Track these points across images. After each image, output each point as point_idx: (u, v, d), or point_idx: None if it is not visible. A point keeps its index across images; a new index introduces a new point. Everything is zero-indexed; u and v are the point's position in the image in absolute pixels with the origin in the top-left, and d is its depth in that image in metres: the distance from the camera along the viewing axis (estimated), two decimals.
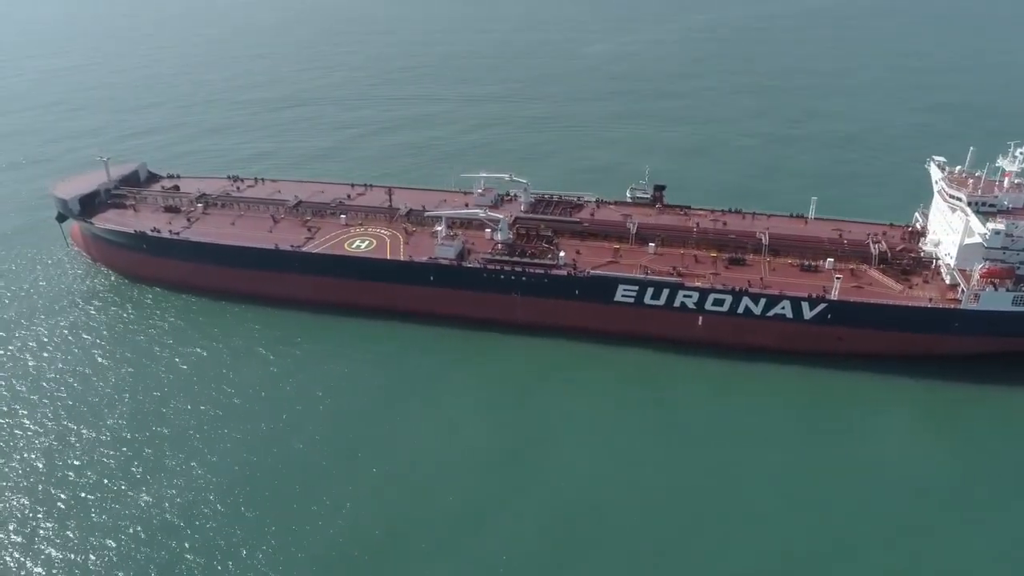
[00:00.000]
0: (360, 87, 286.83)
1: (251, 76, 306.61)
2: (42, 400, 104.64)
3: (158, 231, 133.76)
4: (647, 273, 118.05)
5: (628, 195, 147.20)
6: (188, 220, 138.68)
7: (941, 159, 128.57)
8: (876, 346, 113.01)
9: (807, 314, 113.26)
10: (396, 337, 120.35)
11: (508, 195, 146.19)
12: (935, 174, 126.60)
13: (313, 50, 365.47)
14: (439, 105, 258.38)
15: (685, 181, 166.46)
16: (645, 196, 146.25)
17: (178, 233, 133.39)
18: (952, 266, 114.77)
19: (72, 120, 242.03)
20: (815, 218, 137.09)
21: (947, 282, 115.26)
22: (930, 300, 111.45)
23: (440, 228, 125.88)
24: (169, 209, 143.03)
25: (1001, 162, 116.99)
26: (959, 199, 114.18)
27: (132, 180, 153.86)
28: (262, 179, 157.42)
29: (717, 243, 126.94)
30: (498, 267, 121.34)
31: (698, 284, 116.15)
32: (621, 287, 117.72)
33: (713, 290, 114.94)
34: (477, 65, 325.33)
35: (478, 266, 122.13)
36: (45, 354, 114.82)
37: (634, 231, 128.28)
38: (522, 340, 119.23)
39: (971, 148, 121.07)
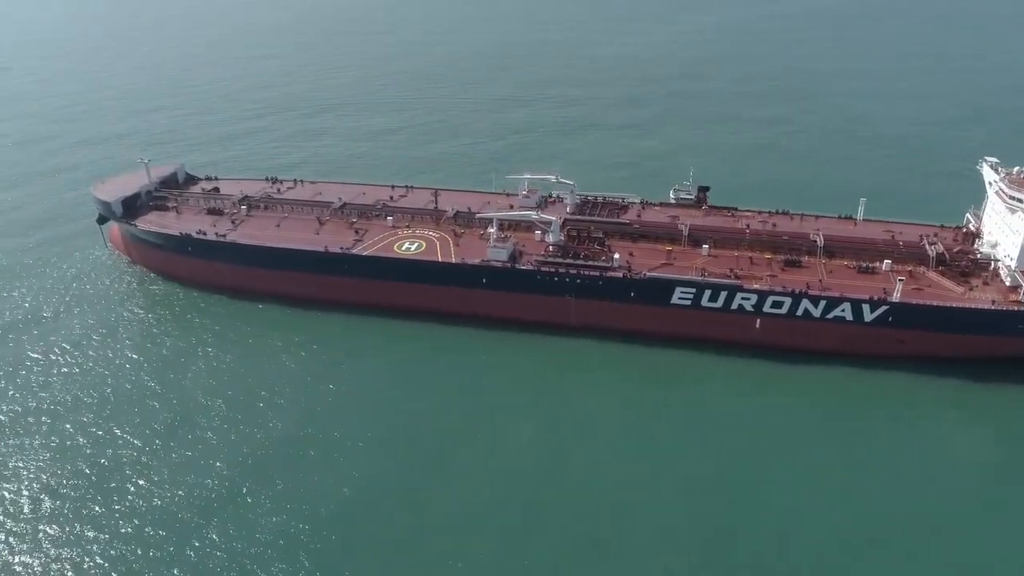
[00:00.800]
0: (375, 88, 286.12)
1: (264, 77, 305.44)
2: (90, 403, 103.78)
3: (203, 233, 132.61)
4: (704, 275, 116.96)
5: (672, 196, 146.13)
6: (232, 223, 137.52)
7: (994, 160, 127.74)
8: (938, 348, 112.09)
9: (867, 316, 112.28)
10: (446, 339, 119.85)
11: (551, 196, 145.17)
12: (989, 175, 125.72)
13: (324, 50, 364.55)
14: (462, 106, 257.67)
15: (724, 182, 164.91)
16: (689, 197, 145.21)
17: (224, 236, 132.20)
18: (1013, 268, 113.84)
19: (93, 122, 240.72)
20: (864, 219, 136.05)
21: (1007, 284, 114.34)
22: (993, 302, 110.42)
23: (492, 230, 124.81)
24: (212, 211, 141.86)
25: None
26: (1020, 200, 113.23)
27: (171, 182, 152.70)
28: (301, 180, 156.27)
29: (771, 245, 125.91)
30: (552, 269, 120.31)
31: (756, 286, 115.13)
32: (678, 289, 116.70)
33: (772, 292, 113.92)
34: (491, 66, 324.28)
35: (531, 268, 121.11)
36: (91, 358, 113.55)
37: (686, 233, 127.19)
38: (572, 341, 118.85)
39: None
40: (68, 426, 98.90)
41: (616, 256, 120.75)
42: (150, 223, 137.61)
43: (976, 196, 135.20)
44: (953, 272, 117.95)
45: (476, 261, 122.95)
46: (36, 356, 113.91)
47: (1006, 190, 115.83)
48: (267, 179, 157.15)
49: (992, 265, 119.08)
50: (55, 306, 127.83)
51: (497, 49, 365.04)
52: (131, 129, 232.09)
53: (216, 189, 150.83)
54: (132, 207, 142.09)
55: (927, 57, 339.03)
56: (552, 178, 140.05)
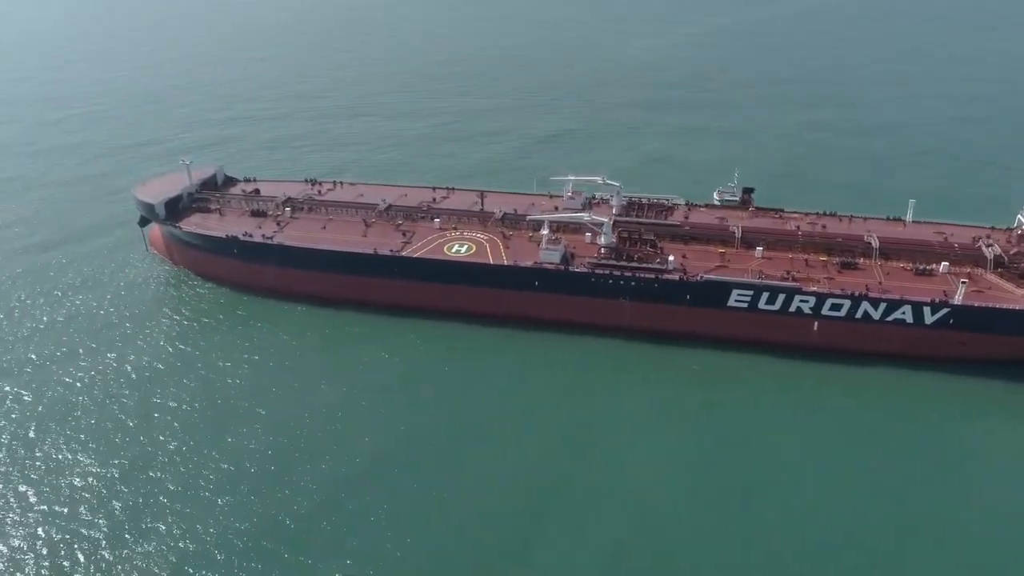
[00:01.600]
0: (401, 89, 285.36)
1: (286, 78, 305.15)
2: (139, 408, 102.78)
3: (249, 235, 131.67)
4: (761, 277, 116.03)
5: (716, 198, 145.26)
6: (277, 224, 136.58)
7: None
8: (999, 351, 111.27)
9: (928, 319, 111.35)
10: (500, 341, 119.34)
11: (595, 198, 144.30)
12: None
13: (342, 50, 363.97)
14: (492, 105, 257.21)
15: (765, 183, 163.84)
16: (734, 199, 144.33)
17: (270, 238, 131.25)
18: None
19: (119, 125, 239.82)
20: (913, 221, 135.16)
21: None
22: None
23: (545, 232, 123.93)
24: (255, 214, 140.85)
25: None
26: None
27: (210, 184, 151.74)
28: (340, 182, 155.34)
29: (825, 247, 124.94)
30: (606, 271, 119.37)
31: (815, 289, 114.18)
32: (735, 292, 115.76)
33: (831, 295, 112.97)
34: (513, 67, 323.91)
35: (585, 270, 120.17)
36: (140, 363, 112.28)
37: (739, 235, 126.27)
38: (625, 344, 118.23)
39: None
40: (144, 430, 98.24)
41: (671, 258, 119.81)
42: (194, 225, 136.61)
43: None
44: (1011, 274, 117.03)
45: (528, 263, 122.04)
46: (88, 360, 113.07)
47: None
48: (306, 180, 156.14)
49: None
50: (101, 310, 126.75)
51: (521, 50, 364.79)
52: (155, 133, 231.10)
53: (257, 191, 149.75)
54: (175, 209, 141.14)
55: (960, 61, 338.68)
56: (598, 179, 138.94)
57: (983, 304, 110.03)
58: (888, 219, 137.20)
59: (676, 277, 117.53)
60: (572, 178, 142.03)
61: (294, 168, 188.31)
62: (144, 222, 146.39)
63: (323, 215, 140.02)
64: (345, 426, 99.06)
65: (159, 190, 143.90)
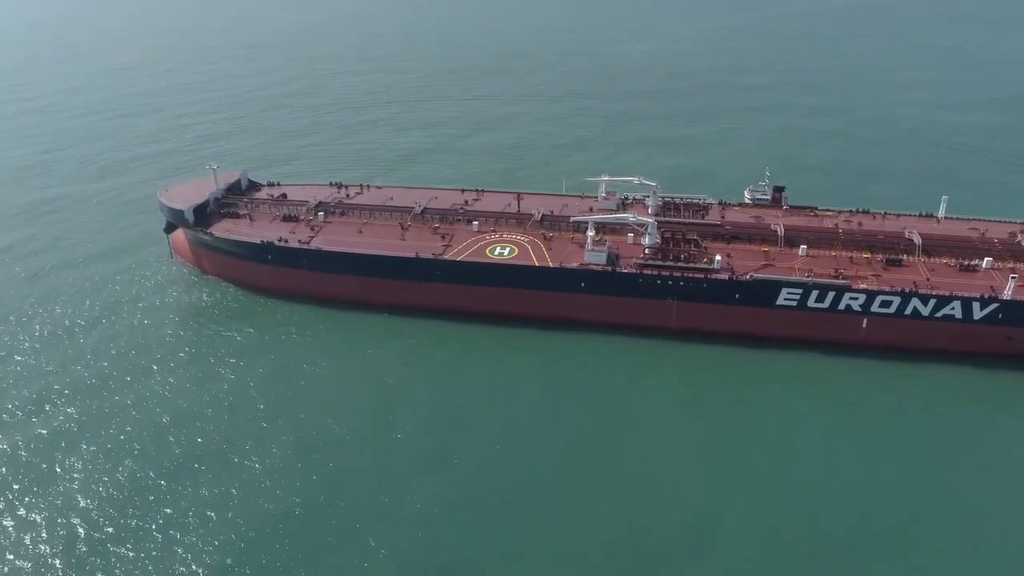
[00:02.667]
0: (413, 89, 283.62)
1: (297, 78, 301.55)
2: (191, 420, 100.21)
3: (285, 241, 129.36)
4: (810, 276, 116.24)
5: (747, 197, 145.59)
6: (311, 229, 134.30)
7: None
8: None
9: (976, 314, 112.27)
10: (543, 343, 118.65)
11: (628, 198, 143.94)
12: None
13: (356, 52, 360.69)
14: (511, 108, 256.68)
15: (791, 181, 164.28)
16: (765, 198, 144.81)
17: (307, 243, 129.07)
18: None
19: (127, 128, 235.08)
20: (946, 217, 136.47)
21: None
22: None
23: (591, 233, 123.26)
24: (287, 219, 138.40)
25: None
26: None
27: (235, 189, 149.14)
28: (367, 185, 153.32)
29: (867, 244, 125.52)
30: (654, 272, 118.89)
31: (864, 286, 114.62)
32: (784, 291, 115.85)
33: (881, 292, 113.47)
34: (523, 67, 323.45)
35: (633, 271, 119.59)
36: (185, 378, 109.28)
37: (782, 233, 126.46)
38: (672, 344, 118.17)
39: None
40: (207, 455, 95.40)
41: (718, 258, 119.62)
42: (225, 231, 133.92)
43: None
44: None
45: (574, 265, 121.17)
46: (130, 377, 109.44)
47: None
48: (332, 184, 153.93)
49: None
50: (135, 323, 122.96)
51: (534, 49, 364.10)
52: (173, 138, 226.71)
53: (284, 195, 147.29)
54: (203, 215, 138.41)
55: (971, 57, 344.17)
56: (635, 180, 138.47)
57: None
58: (921, 215, 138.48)
59: (725, 276, 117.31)
60: (607, 179, 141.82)
61: (310, 171, 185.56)
62: (171, 228, 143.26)
63: (357, 219, 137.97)
64: (444, 434, 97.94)
65: (185, 196, 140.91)
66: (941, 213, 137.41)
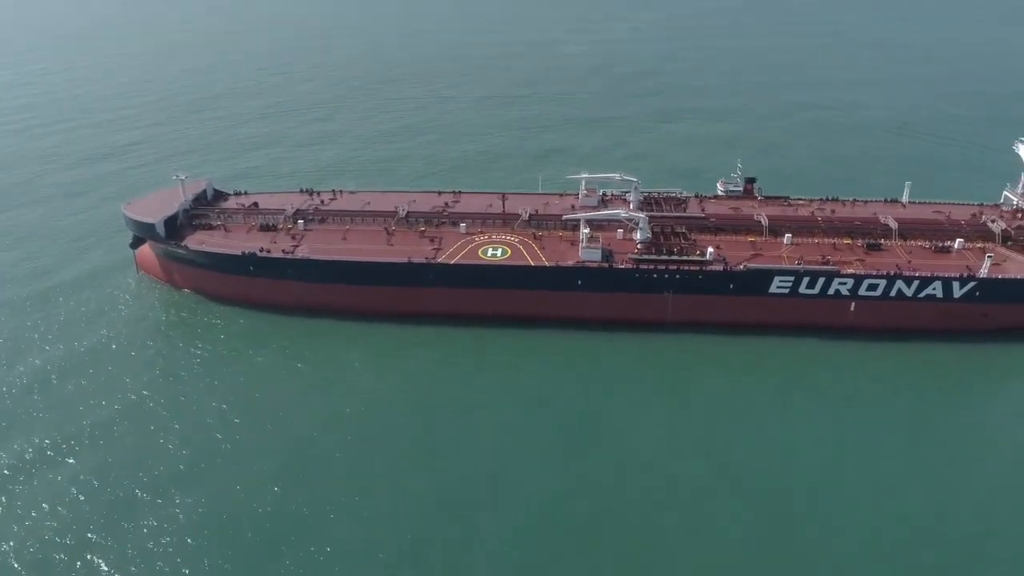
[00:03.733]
0: (357, 92, 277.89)
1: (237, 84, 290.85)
2: (198, 449, 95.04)
3: (268, 251, 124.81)
4: (800, 263, 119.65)
5: (720, 189, 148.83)
6: (293, 238, 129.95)
7: None
8: (1020, 319, 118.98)
9: (956, 293, 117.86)
10: (549, 343, 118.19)
11: (606, 195, 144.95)
12: None
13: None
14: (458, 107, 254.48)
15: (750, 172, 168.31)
16: (737, 189, 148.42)
17: (291, 252, 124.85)
18: None
19: (73, 139, 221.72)
20: (910, 202, 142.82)
21: None
22: None
23: (585, 231, 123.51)
24: (265, 228, 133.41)
25: None
26: None
27: (201, 199, 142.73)
28: (339, 191, 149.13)
29: (847, 231, 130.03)
30: (650, 267, 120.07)
31: (852, 271, 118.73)
32: (776, 279, 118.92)
33: (868, 276, 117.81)
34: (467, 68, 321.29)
35: (630, 267, 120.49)
36: (168, 398, 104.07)
37: (766, 224, 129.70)
38: (668, 336, 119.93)
39: None
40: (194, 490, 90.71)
41: (710, 250, 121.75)
42: (202, 243, 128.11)
43: (997, 175, 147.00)
44: (1019, 246, 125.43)
45: (570, 263, 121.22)
46: (106, 401, 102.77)
47: None
48: (302, 191, 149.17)
49: None
50: (107, 346, 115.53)
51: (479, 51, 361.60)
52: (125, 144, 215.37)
53: (255, 204, 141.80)
54: (173, 227, 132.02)
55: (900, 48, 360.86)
56: (616, 176, 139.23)
57: (1006, 276, 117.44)
58: (886, 201, 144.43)
59: (720, 268, 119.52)
60: (587, 175, 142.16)
61: (271, 178, 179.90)
62: (137, 243, 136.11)
63: (338, 225, 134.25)
64: (456, 439, 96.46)
65: (152, 208, 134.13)
66: (905, 198, 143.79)
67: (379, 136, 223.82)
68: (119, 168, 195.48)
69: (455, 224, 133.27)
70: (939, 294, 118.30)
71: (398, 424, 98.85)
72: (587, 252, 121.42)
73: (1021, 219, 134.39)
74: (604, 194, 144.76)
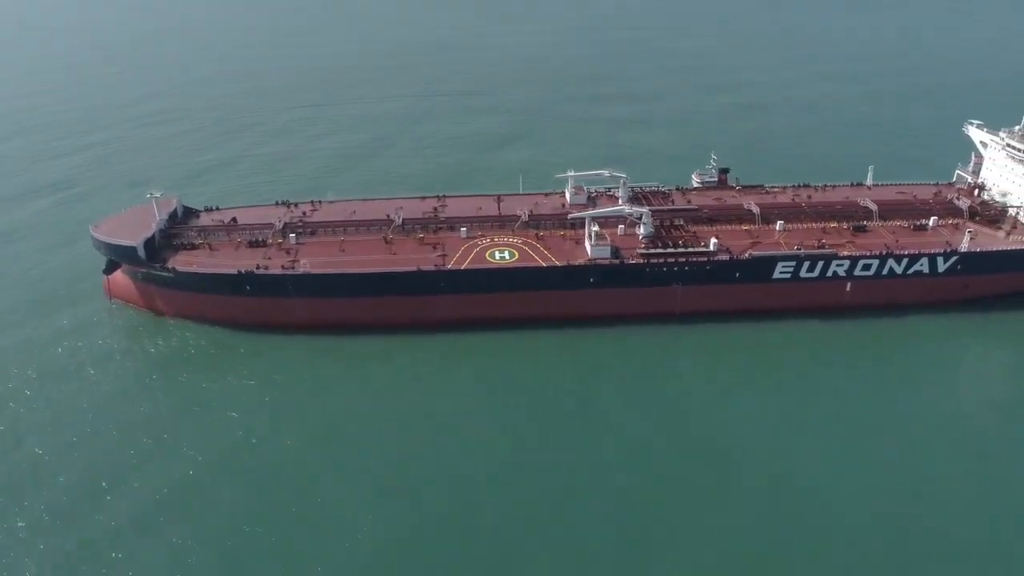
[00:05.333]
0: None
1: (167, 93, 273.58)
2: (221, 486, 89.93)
3: (266, 268, 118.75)
4: (800, 248, 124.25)
5: (696, 180, 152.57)
6: (287, 253, 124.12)
7: (979, 122, 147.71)
8: (994, 288, 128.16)
9: (941, 268, 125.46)
10: (568, 343, 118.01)
11: (593, 192, 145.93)
12: (981, 136, 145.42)
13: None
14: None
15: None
16: (713, 180, 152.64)
17: (291, 268, 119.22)
18: None
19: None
20: (874, 184, 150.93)
21: None
22: None
23: (595, 228, 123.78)
24: (254, 244, 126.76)
25: None
26: None
27: (172, 218, 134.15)
28: (319, 201, 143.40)
29: (831, 215, 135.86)
30: (660, 260, 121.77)
31: (847, 253, 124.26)
32: (779, 264, 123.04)
33: (863, 256, 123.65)
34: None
35: (640, 261, 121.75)
36: (179, 438, 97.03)
37: (758, 212, 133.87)
38: (678, 327, 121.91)
39: None
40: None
41: (713, 240, 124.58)
42: (188, 264, 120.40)
43: (945, 157, 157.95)
44: (985, 221, 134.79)
45: (581, 262, 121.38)
46: (109, 454, 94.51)
47: (1020, 145, 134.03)
48: (279, 203, 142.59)
49: (1009, 211, 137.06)
50: (95, 388, 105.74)
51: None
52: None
53: (235, 220, 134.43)
54: (152, 249, 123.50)
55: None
56: (605, 173, 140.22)
57: (983, 249, 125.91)
58: (852, 184, 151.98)
59: (726, 257, 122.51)
60: (572, 175, 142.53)
61: (232, 190, 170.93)
62: (112, 268, 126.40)
63: (332, 237, 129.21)
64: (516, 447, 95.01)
65: (125, 230, 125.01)
66: (869, 181, 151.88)
67: (336, 143, 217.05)
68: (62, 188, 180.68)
69: (453, 229, 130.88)
70: (926, 270, 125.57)
71: (459, 438, 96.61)
72: (597, 250, 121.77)
73: (979, 195, 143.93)
74: (592, 191, 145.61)
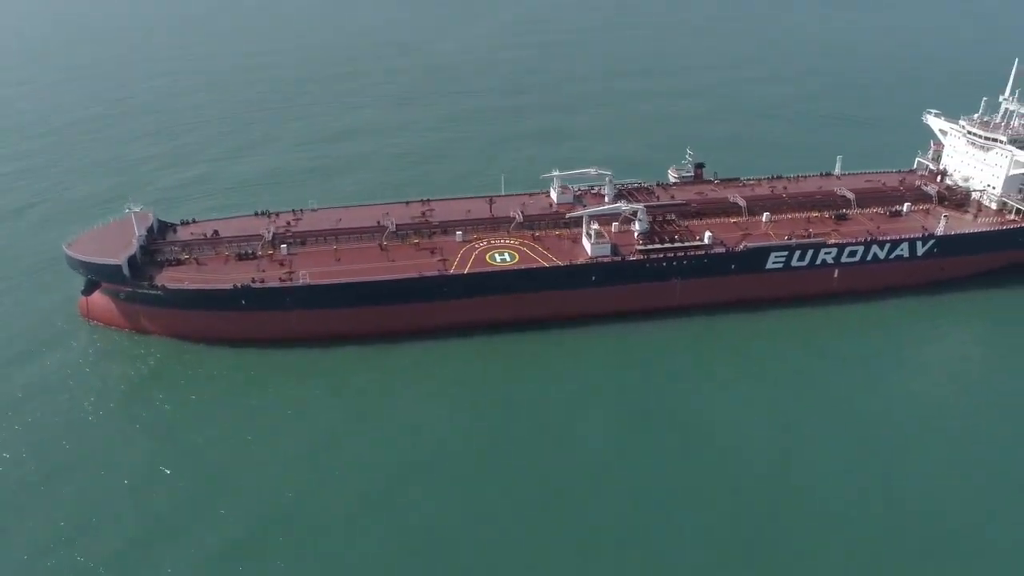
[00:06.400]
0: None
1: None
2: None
3: (262, 281, 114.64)
4: (791, 238, 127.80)
5: (674, 176, 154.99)
6: (281, 264, 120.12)
7: (936, 111, 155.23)
8: (967, 268, 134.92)
9: (920, 251, 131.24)
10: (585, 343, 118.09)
11: (578, 190, 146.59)
12: (941, 124, 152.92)
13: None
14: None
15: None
16: (689, 175, 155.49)
17: (289, 279, 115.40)
18: (999, 195, 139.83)
19: None
20: (842, 173, 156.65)
21: (994, 208, 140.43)
22: (1003, 224, 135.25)
23: (595, 226, 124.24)
24: (243, 257, 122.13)
25: (1010, 105, 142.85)
26: (995, 139, 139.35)
27: (149, 233, 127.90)
28: (301, 210, 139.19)
29: (811, 204, 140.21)
30: (660, 256, 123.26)
31: (834, 241, 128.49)
32: (772, 255, 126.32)
33: (848, 244, 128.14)
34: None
35: (640, 258, 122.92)
36: (200, 469, 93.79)
37: (744, 205, 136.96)
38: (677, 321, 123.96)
39: (984, 98, 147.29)
40: None
41: (708, 234, 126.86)
42: (178, 280, 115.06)
43: (901, 146, 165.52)
44: (952, 205, 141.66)
45: (582, 260, 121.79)
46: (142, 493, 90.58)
47: (982, 132, 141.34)
48: (258, 214, 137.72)
49: (972, 195, 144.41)
50: (91, 420, 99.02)
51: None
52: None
53: (216, 232, 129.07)
54: (135, 266, 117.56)
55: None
56: (591, 171, 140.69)
57: (956, 231, 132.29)
58: (822, 175, 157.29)
59: (722, 250, 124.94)
60: (558, 173, 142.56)
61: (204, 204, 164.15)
62: (91, 288, 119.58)
63: (325, 246, 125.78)
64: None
65: (102, 247, 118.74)
66: (837, 171, 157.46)
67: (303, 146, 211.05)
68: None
69: (446, 233, 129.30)
70: (905, 254, 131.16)
71: (496, 444, 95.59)
72: (597, 248, 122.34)
73: (942, 181, 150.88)
74: (577, 190, 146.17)
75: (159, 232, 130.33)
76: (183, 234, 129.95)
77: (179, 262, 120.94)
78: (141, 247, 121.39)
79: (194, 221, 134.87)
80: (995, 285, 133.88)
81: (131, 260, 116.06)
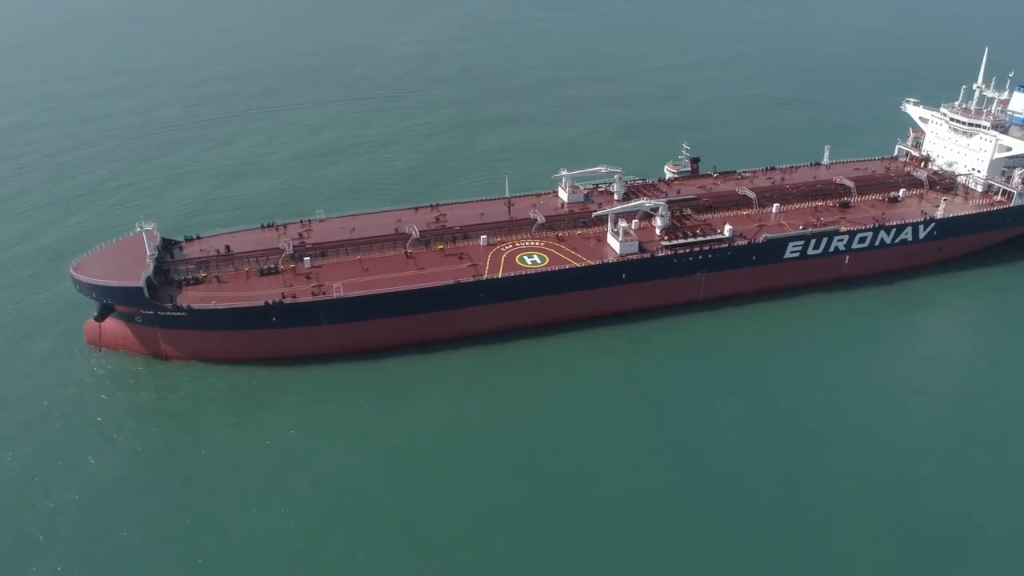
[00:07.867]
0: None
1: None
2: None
3: (293, 296, 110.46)
4: (805, 228, 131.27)
5: (671, 172, 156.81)
6: (307, 278, 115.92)
7: (915, 100, 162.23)
8: (962, 248, 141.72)
9: (921, 234, 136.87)
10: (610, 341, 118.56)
11: (587, 189, 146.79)
12: (919, 112, 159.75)
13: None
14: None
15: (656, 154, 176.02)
16: (686, 170, 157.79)
17: (320, 293, 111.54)
18: (984, 178, 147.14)
19: None
20: (830, 163, 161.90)
21: (979, 191, 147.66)
22: (992, 205, 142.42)
23: (623, 224, 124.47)
24: (266, 272, 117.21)
25: (987, 92, 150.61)
26: (978, 125, 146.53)
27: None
28: (308, 220, 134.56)
29: (814, 194, 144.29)
30: (686, 251, 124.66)
31: (846, 228, 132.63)
32: (790, 245, 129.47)
33: (859, 231, 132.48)
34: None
35: (668, 254, 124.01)
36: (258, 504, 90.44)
37: (754, 197, 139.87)
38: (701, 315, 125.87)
39: (963, 87, 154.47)
40: None
41: (728, 227, 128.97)
42: (203, 300, 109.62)
43: (882, 133, 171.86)
44: (942, 190, 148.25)
45: (611, 259, 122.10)
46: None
47: (964, 119, 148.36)
48: (264, 227, 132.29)
49: (958, 179, 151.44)
50: (139, 462, 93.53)
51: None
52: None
53: (227, 248, 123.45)
54: (152, 287, 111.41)
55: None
56: (601, 169, 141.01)
57: (953, 214, 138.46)
58: (811, 164, 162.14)
59: (744, 242, 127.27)
60: (567, 173, 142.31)
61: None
62: (105, 313, 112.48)
63: (348, 257, 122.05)
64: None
65: (113, 268, 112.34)
66: (826, 160, 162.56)
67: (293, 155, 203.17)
68: None
69: (468, 238, 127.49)
70: (909, 238, 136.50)
71: (553, 447, 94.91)
72: (626, 246, 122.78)
73: (926, 167, 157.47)
74: (585, 189, 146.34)
75: (164, 250, 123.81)
76: (190, 251, 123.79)
77: (197, 280, 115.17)
78: (154, 267, 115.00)
79: (199, 237, 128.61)
80: (993, 263, 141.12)
81: (148, 281, 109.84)
